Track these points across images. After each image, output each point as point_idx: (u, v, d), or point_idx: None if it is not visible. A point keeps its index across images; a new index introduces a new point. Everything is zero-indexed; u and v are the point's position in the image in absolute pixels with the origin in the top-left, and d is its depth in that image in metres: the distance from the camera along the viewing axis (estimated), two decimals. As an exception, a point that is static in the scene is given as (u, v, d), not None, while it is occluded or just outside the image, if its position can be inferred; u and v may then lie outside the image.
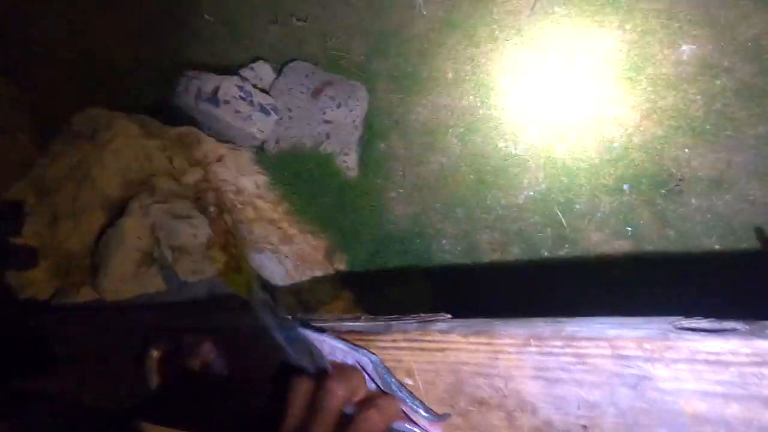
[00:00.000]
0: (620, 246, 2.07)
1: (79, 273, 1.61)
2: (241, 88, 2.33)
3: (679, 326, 0.63)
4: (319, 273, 2.16)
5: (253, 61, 2.70)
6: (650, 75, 2.09)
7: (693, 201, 1.97)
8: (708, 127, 1.98)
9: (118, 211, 1.67)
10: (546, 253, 2.16)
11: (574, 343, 0.65)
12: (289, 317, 0.80)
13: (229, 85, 2.30)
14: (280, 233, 2.12)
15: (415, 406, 0.68)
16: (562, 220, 2.16)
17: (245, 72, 2.61)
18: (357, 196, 2.38)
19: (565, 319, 0.71)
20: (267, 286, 1.66)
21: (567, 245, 2.14)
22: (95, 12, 3.19)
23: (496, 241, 2.25)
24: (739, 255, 1.88)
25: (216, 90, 2.28)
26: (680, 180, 1.99)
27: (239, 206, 2.10)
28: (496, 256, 2.24)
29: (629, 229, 2.06)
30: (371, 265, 2.35)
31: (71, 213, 1.69)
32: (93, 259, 1.60)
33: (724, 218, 1.93)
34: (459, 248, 2.32)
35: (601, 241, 2.09)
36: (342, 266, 2.30)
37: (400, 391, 0.69)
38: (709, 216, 1.94)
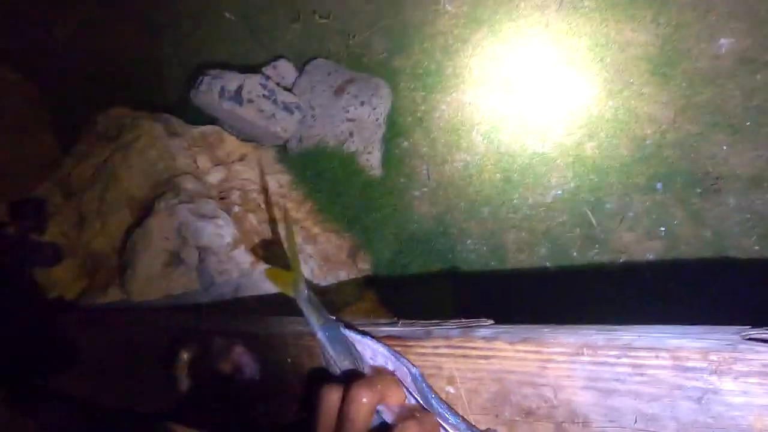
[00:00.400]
0: (653, 247, 2.00)
1: (107, 273, 1.62)
2: (264, 86, 2.32)
3: (747, 336, 0.59)
4: (342, 273, 2.15)
5: (275, 60, 2.70)
6: (685, 70, 2.01)
7: (731, 200, 1.89)
8: (747, 123, 1.90)
9: (144, 211, 1.67)
10: (575, 254, 2.11)
11: (632, 353, 0.61)
12: (333, 317, 0.77)
13: (252, 84, 2.29)
14: (304, 233, 2.11)
15: (456, 422, 0.65)
16: (592, 219, 2.10)
17: (268, 70, 2.60)
18: (380, 195, 2.35)
19: (619, 327, 0.68)
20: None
21: (597, 246, 2.08)
22: (115, 12, 3.22)
23: (522, 241, 2.20)
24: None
25: (239, 88, 2.27)
26: (717, 178, 1.91)
27: (262, 206, 2.09)
28: (522, 257, 2.19)
29: (663, 229, 2.00)
30: (395, 265, 2.32)
31: (98, 213, 1.70)
32: (120, 260, 1.61)
33: (765, 218, 1.85)
34: (484, 248, 2.27)
35: (632, 241, 2.03)
36: (365, 266, 2.28)
37: (440, 407, 0.66)
38: (748, 216, 1.86)
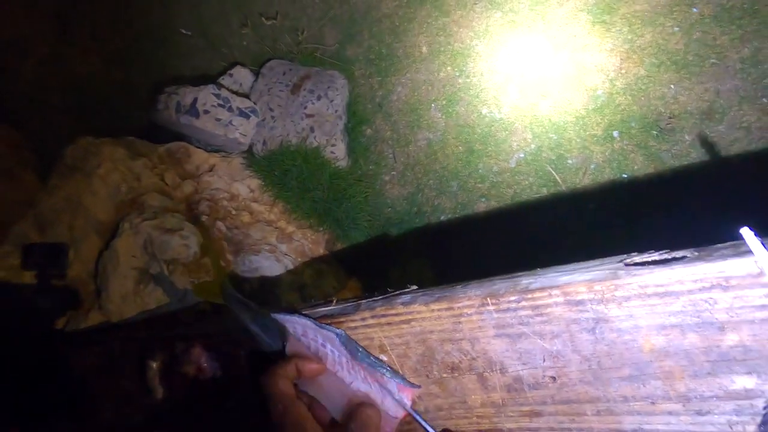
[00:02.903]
0: (618, 194, 2.02)
1: (87, 298, 1.66)
2: (217, 95, 2.34)
3: (629, 262, 0.62)
4: (322, 266, 2.18)
5: (232, 67, 2.71)
6: (624, 14, 2.02)
7: (686, 137, 1.91)
8: (691, 58, 1.91)
9: (112, 234, 1.71)
10: (545, 213, 2.13)
11: (529, 296, 0.64)
12: (263, 308, 0.82)
13: (206, 95, 2.31)
14: (278, 233, 2.14)
15: (383, 372, 0.69)
16: (557, 177, 2.12)
17: (223, 79, 2.62)
18: (350, 185, 2.38)
19: (521, 273, 0.71)
20: (252, 287, 1.68)
21: (565, 202, 2.11)
22: (79, 44, 3.23)
23: (493, 208, 2.23)
24: (739, 184, 1.82)
25: (194, 101, 2.29)
26: (670, 117, 1.93)
27: (234, 212, 2.12)
28: (495, 224, 2.22)
29: (625, 175, 2.02)
30: (373, 250, 2.35)
31: (70, 242, 1.74)
32: (96, 284, 1.64)
33: (721, 149, 1.87)
34: (458, 221, 2.30)
35: (598, 192, 2.05)
36: (344, 256, 2.31)
37: (367, 358, 0.70)
38: (704, 150, 1.88)
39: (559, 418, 0.64)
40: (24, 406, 1.36)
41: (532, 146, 2.16)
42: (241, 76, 2.68)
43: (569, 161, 2.10)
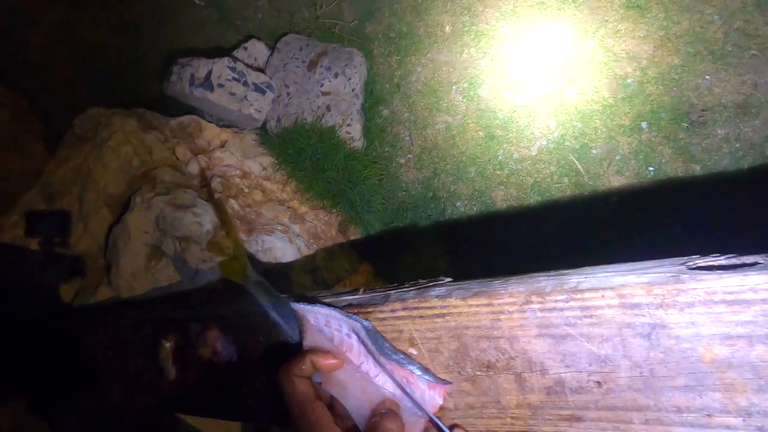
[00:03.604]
0: (643, 188, 1.96)
1: (95, 273, 1.63)
2: (233, 69, 2.27)
3: (692, 266, 0.57)
4: (334, 249, 2.14)
5: (247, 41, 2.64)
6: (661, 0, 1.93)
7: (719, 131, 1.84)
8: (729, 48, 1.83)
9: (123, 208, 1.67)
10: (565, 203, 2.08)
11: (578, 296, 0.60)
12: (284, 296, 0.78)
13: (220, 68, 2.24)
14: (291, 213, 2.10)
15: (413, 369, 0.66)
16: (579, 167, 2.06)
17: (238, 52, 2.55)
18: (365, 167, 2.33)
19: (568, 271, 0.66)
20: (265, 268, 1.65)
21: (586, 193, 2.05)
22: (88, 13, 3.17)
23: (512, 197, 2.17)
24: (773, 184, 1.75)
25: (208, 74, 2.23)
26: (703, 110, 1.85)
27: (246, 190, 2.08)
28: (513, 213, 2.16)
29: (651, 169, 1.95)
30: (386, 234, 2.31)
31: (79, 215, 1.70)
32: (106, 258, 1.62)
33: (755, 146, 1.80)
34: (474, 208, 2.25)
35: (622, 185, 1.99)
36: (357, 239, 2.28)
37: (395, 354, 0.67)
38: (737, 145, 1.81)
39: (601, 425, 0.60)
40: (31, 378, 1.34)
41: (556, 134, 2.09)
42: (256, 50, 2.60)
43: (593, 151, 2.03)
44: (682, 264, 0.58)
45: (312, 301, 0.73)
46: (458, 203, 2.29)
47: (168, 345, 1.06)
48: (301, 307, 0.72)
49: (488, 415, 0.66)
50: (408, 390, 0.65)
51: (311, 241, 2.00)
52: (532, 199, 2.13)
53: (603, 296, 0.58)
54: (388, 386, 0.66)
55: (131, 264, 1.49)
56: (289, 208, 2.13)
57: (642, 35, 1.94)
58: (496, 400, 0.65)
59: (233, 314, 0.94)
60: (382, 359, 0.67)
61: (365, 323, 0.68)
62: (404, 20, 2.45)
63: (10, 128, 2.95)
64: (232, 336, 0.94)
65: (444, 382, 0.65)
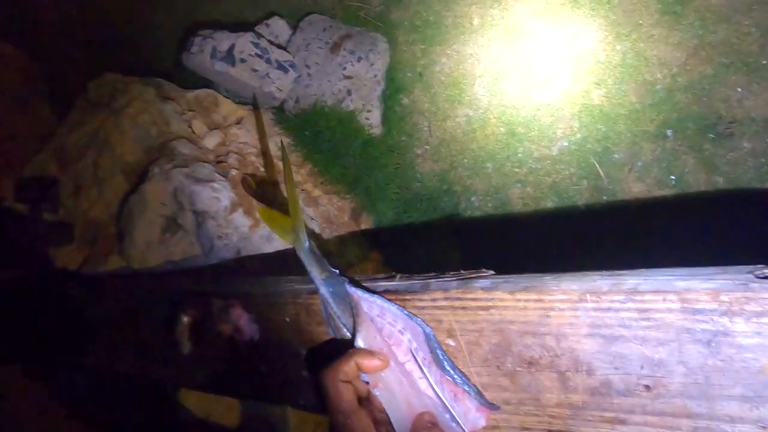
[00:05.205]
0: (663, 196, 1.94)
1: (107, 241, 1.61)
2: (256, 45, 2.23)
3: (761, 275, 0.55)
4: (345, 235, 2.13)
5: (268, 17, 2.60)
6: (698, 7, 1.90)
7: (745, 144, 1.82)
8: (765, 62, 1.80)
9: (139, 177, 1.65)
10: (582, 207, 2.06)
11: (638, 297, 0.58)
12: (337, 272, 0.75)
13: (244, 42, 2.21)
14: (304, 195, 2.08)
15: (467, 390, 0.65)
16: (600, 170, 2.04)
17: (260, 29, 2.50)
18: (381, 154, 2.30)
19: (624, 272, 0.64)
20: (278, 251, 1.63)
21: (605, 197, 2.03)
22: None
23: (528, 196, 2.15)
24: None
25: (231, 48, 2.19)
26: (731, 122, 1.83)
27: (262, 169, 2.05)
28: (528, 212, 2.15)
29: (673, 178, 1.93)
30: (399, 224, 2.29)
31: (93, 181, 1.68)
32: (118, 227, 1.59)
33: (781, 161, 1.78)
34: (489, 204, 2.23)
35: (642, 191, 1.97)
36: (369, 227, 2.26)
37: (454, 372, 0.65)
38: (763, 160, 1.79)
39: (646, 430, 0.59)
40: (32, 343, 1.32)
41: (578, 135, 2.07)
42: (278, 27, 2.56)
43: (615, 155, 2.01)
44: (749, 272, 0.56)
45: (370, 290, 0.71)
46: (473, 198, 2.27)
47: (186, 319, 1.04)
48: (359, 293, 0.70)
49: (525, 411, 0.65)
50: (451, 404, 0.63)
51: (324, 225, 1.98)
52: (549, 199, 2.11)
53: (664, 299, 0.56)
54: (429, 393, 0.64)
55: (145, 234, 1.47)
56: (302, 190, 2.11)
57: (676, 42, 1.92)
58: (535, 398, 0.64)
59: (260, 293, 0.91)
60: (434, 368, 0.65)
61: (427, 329, 0.66)
62: (432, 9, 2.41)
63: (19, 88, 2.90)
64: (256, 314, 0.92)
65: (493, 406, 0.63)
